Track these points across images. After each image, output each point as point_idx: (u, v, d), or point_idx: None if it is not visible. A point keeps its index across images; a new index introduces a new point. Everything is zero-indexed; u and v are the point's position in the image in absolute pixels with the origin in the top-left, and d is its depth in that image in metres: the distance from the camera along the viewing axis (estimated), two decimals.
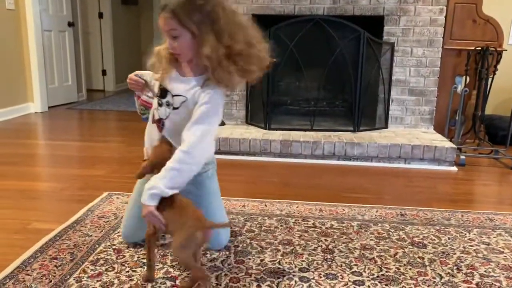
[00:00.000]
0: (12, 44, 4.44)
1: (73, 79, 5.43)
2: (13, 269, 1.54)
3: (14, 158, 3.04)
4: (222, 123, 3.53)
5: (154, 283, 1.49)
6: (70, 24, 5.29)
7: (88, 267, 1.58)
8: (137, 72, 1.71)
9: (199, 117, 1.48)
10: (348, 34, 3.29)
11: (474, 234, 1.95)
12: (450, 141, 3.25)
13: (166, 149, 1.53)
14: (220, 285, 1.49)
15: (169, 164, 1.43)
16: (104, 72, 6.77)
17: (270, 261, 1.65)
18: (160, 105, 1.59)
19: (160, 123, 1.60)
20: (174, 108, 1.56)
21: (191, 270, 1.41)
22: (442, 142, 3.13)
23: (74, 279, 1.50)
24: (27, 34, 4.58)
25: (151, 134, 1.66)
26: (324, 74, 3.44)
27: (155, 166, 1.47)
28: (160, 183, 1.40)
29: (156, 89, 1.63)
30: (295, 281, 1.52)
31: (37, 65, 4.68)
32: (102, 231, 1.87)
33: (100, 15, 6.56)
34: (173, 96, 1.56)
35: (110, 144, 3.53)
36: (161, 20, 1.44)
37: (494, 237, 1.93)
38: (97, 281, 1.49)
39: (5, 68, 4.34)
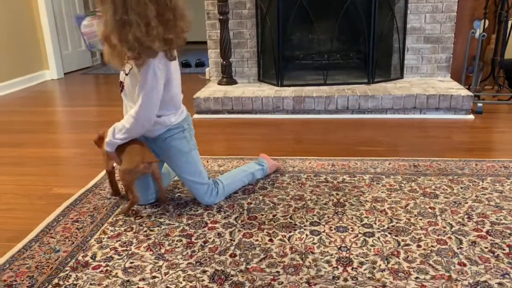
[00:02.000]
0: (23, 13, 4.45)
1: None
2: (37, 233, 1.63)
3: (34, 126, 3.12)
4: (234, 82, 3.52)
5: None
6: None
7: (107, 228, 1.65)
8: None
9: (138, 88, 1.61)
10: None
11: (488, 183, 1.94)
12: (468, 88, 3.18)
13: None
14: (234, 240, 1.54)
15: (122, 122, 1.68)
16: None
17: (282, 216, 1.70)
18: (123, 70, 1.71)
19: (120, 85, 1.74)
20: (126, 74, 1.69)
21: (131, 193, 1.72)
22: (459, 90, 3.07)
23: (95, 240, 1.58)
24: (37, 1, 4.57)
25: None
26: (336, 25, 3.35)
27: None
28: (113, 137, 1.68)
29: None
30: (306, 235, 1.56)
31: (50, 32, 4.69)
32: (120, 194, 1.94)
33: None
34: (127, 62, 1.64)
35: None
36: None
37: (508, 184, 1.92)
38: (117, 241, 1.57)
39: (19, 38, 4.37)
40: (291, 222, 1.65)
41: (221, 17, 3.35)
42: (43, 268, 1.42)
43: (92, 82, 4.80)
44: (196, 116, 3.17)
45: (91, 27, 1.77)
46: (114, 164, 1.85)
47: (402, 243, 1.50)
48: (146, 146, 1.75)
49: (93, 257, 1.48)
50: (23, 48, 4.45)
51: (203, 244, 1.53)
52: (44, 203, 1.90)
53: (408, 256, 1.43)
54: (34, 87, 4.49)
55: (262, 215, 1.72)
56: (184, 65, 5.24)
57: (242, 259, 1.44)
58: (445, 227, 1.59)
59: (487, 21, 3.43)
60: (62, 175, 2.26)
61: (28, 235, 1.62)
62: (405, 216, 1.68)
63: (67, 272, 1.40)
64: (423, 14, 3.36)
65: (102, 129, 1.77)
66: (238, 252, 1.48)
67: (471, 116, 2.98)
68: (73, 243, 1.56)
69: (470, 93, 3.00)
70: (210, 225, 1.66)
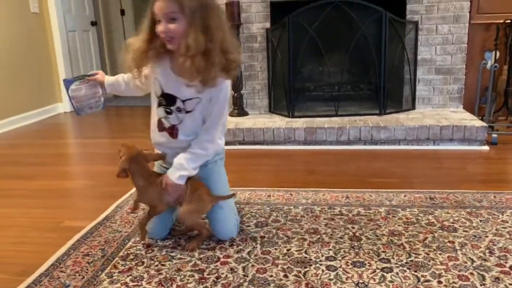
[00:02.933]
0: (38, 47, 4.56)
1: None
2: (47, 267, 1.60)
3: (45, 158, 3.13)
4: (245, 113, 3.53)
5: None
6: (93, 23, 5.38)
7: (118, 263, 1.62)
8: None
9: (215, 113, 1.61)
10: (369, 15, 3.21)
11: (508, 216, 1.89)
12: (481, 119, 3.15)
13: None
14: (247, 276, 1.50)
15: (194, 149, 1.62)
16: None
17: (297, 251, 1.65)
18: (169, 112, 1.63)
19: (173, 129, 1.64)
20: (187, 112, 1.61)
21: (200, 230, 1.72)
22: (472, 121, 3.04)
23: (105, 275, 1.54)
24: (52, 36, 4.69)
25: (160, 140, 1.70)
26: (346, 57, 3.38)
27: (132, 160, 1.60)
28: (189, 166, 1.61)
29: (154, 92, 1.66)
30: (322, 270, 1.52)
31: (64, 65, 4.79)
32: (131, 226, 1.91)
33: (122, 12, 6.64)
34: (183, 101, 1.59)
35: (137, 139, 3.56)
36: (161, 2, 1.47)
37: None
38: (128, 275, 1.53)
39: (33, 71, 4.47)
40: (306, 257, 1.61)
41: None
42: None
43: (104, 114, 4.85)
44: None
45: (79, 91, 1.82)
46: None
47: (422, 279, 1.45)
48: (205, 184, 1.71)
49: None
50: (37, 81, 4.54)
51: (215, 279, 1.49)
52: (55, 236, 1.88)
53: None
54: (47, 119, 4.54)
55: (276, 249, 1.67)
56: None
57: None
58: (466, 262, 1.54)
59: (498, 52, 3.44)
60: (73, 207, 2.25)
61: (38, 269, 1.58)
62: (423, 250, 1.63)
63: None
64: (434, 46, 3.37)
65: (118, 162, 1.66)
66: None
67: (486, 147, 2.93)
68: (83, 277, 1.53)
69: (484, 124, 2.97)
70: (222, 259, 1.62)
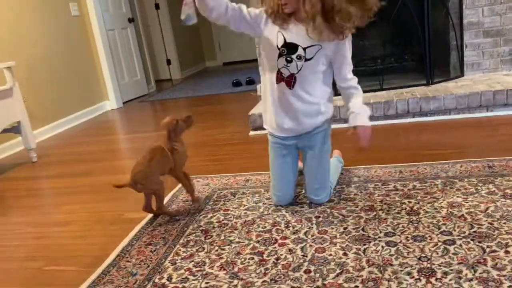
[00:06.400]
0: (82, 48, 4.72)
1: (141, 72, 5.67)
2: (114, 257, 1.68)
3: (100, 155, 3.26)
4: None
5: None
6: (131, 20, 5.49)
7: (180, 250, 1.67)
8: None
9: (346, 60, 1.75)
10: None
11: None
12: None
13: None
14: (306, 256, 1.51)
15: (358, 100, 1.77)
16: (168, 62, 6.98)
17: (354, 229, 1.64)
18: (289, 61, 1.69)
19: (291, 78, 1.71)
20: (307, 60, 1.68)
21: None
22: None
23: (169, 262, 1.60)
24: (93, 36, 4.83)
25: (274, 96, 1.79)
26: (388, 29, 3.27)
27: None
28: (365, 105, 1.78)
29: (276, 45, 1.71)
30: (382, 246, 1.50)
31: (107, 64, 4.94)
32: (188, 214, 1.97)
33: (157, 6, 6.74)
34: (304, 49, 1.67)
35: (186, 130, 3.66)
36: None
37: None
38: (190, 261, 1.58)
39: (80, 72, 4.63)
40: (364, 234, 1.60)
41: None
42: None
43: (150, 109, 4.97)
44: (252, 132, 3.19)
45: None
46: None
47: (487, 250, 1.40)
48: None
49: (169, 279, 1.50)
50: (85, 82, 4.71)
51: (275, 261, 1.51)
52: (117, 228, 1.96)
53: (496, 264, 1.33)
54: (97, 117, 4.71)
55: (332, 228, 1.67)
56: (235, 84, 5.32)
57: (317, 275, 1.40)
58: None
59: None
60: (131, 200, 2.32)
61: (106, 260, 1.67)
62: (486, 220, 1.58)
63: None
64: (480, 8, 3.20)
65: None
66: (312, 268, 1.44)
67: None
68: (148, 266, 1.59)
69: None
70: (280, 241, 1.63)
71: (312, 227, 1.70)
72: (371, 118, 2.98)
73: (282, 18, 1.67)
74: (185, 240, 1.74)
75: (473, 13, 3.22)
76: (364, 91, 3.20)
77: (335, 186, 2.01)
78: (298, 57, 1.69)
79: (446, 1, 3.18)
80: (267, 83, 1.81)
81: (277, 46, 1.70)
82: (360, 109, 1.75)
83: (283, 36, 1.69)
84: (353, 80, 1.79)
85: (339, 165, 2.16)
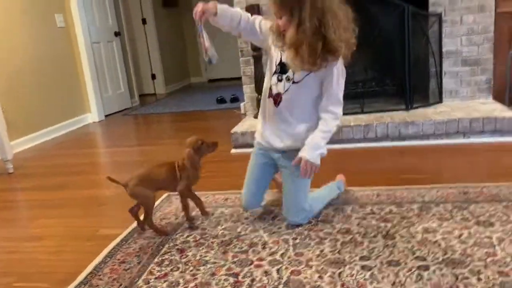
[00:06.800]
0: (66, 60, 4.69)
1: (125, 86, 5.65)
2: (86, 275, 1.65)
3: (79, 168, 3.22)
4: None
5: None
6: (117, 34, 5.49)
7: (154, 269, 1.65)
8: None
9: (332, 89, 1.73)
10: (391, 10, 3.17)
11: None
12: None
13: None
14: (282, 278, 1.51)
15: (323, 127, 1.75)
16: (153, 76, 6.98)
17: (330, 251, 1.65)
18: (279, 80, 1.77)
19: (278, 97, 1.77)
20: (294, 82, 1.73)
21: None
22: (503, 112, 2.96)
23: (142, 281, 1.57)
24: (78, 48, 4.81)
25: (265, 108, 1.86)
26: (370, 54, 3.34)
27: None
28: (324, 144, 1.75)
29: (274, 61, 1.79)
30: (357, 270, 1.51)
31: (91, 77, 4.91)
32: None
33: (144, 21, 6.76)
34: (294, 71, 1.72)
35: (166, 146, 3.65)
36: (269, 4, 1.69)
37: None
38: (164, 281, 1.56)
39: (62, 84, 4.59)
40: (339, 258, 1.60)
41: (254, 53, 3.41)
42: None
43: (132, 123, 4.95)
44: (233, 150, 3.19)
45: (204, 42, 1.73)
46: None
47: (460, 277, 1.42)
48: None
49: None
50: (67, 94, 4.67)
51: (250, 283, 1.50)
52: (92, 244, 1.93)
53: None
54: (78, 130, 4.66)
55: (309, 250, 1.67)
56: (219, 101, 5.33)
57: None
58: (505, 258, 1.50)
59: None
60: (107, 215, 2.30)
61: (77, 278, 1.63)
62: (459, 247, 1.60)
63: None
64: (459, 37, 3.30)
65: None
66: None
67: None
68: (121, 284, 1.57)
69: None
70: (256, 262, 1.63)
71: (289, 249, 1.70)
72: (351, 140, 3.04)
73: (282, 40, 1.71)
74: (160, 259, 1.72)
75: (452, 42, 3.32)
76: (345, 114, 3.24)
77: (320, 211, 1.98)
78: (287, 78, 1.75)
79: (426, 30, 3.27)
80: (264, 94, 1.87)
81: (275, 63, 1.78)
82: (311, 142, 1.74)
83: (281, 55, 1.76)
84: (330, 115, 1.76)
85: (334, 191, 2.11)
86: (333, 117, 1.76)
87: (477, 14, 3.23)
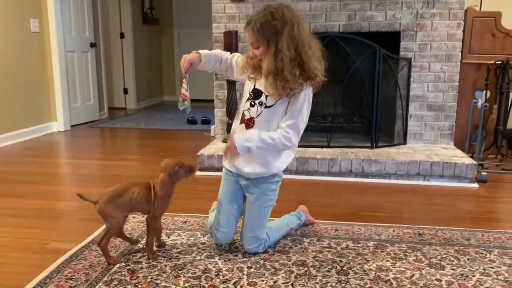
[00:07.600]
0: (36, 65, 4.59)
1: (95, 98, 5.56)
2: None
3: (36, 177, 3.11)
4: None
5: None
6: (93, 45, 5.43)
7: None
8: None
9: (293, 113, 1.77)
10: (364, 50, 3.28)
11: (495, 255, 1.89)
12: (471, 157, 3.18)
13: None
14: None
15: (271, 134, 1.76)
16: (125, 91, 6.90)
17: (283, 283, 1.64)
18: (252, 105, 1.82)
19: (251, 121, 1.82)
20: (267, 107, 1.79)
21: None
22: (462, 158, 3.07)
23: None
24: (51, 55, 4.73)
25: (235, 133, 1.89)
26: (341, 90, 3.42)
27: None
28: (256, 142, 1.74)
29: (248, 88, 1.86)
30: None
31: (60, 85, 4.81)
32: (117, 251, 1.89)
33: (122, 35, 6.73)
34: (266, 96, 1.78)
35: (130, 162, 3.59)
36: (247, 33, 1.76)
37: None
38: None
39: (29, 88, 4.48)
40: None
41: (228, 78, 3.43)
42: None
43: (98, 135, 4.85)
44: (199, 173, 3.17)
45: (185, 93, 1.88)
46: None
47: None
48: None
49: None
50: (33, 99, 4.55)
51: None
52: (39, 258, 1.85)
53: None
54: (42, 137, 4.53)
55: (263, 281, 1.66)
56: (190, 121, 5.32)
57: None
58: None
59: (488, 92, 3.51)
60: (61, 229, 2.22)
61: None
62: (410, 287, 1.62)
63: None
64: (426, 83, 3.44)
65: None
66: None
67: (475, 185, 2.96)
68: None
69: (474, 162, 3.00)
70: None
71: (243, 278, 1.68)
72: (316, 172, 3.07)
73: (257, 69, 1.81)
74: (110, 278, 1.67)
75: (419, 87, 3.45)
76: (312, 146, 3.33)
77: (278, 240, 1.99)
78: (260, 103, 1.81)
79: (396, 73, 3.39)
80: (236, 120, 1.92)
81: (249, 90, 1.85)
82: (251, 135, 1.77)
83: (254, 83, 1.84)
84: (284, 133, 1.77)
85: (293, 222, 2.11)
86: (285, 138, 1.76)
87: (444, 63, 3.39)
